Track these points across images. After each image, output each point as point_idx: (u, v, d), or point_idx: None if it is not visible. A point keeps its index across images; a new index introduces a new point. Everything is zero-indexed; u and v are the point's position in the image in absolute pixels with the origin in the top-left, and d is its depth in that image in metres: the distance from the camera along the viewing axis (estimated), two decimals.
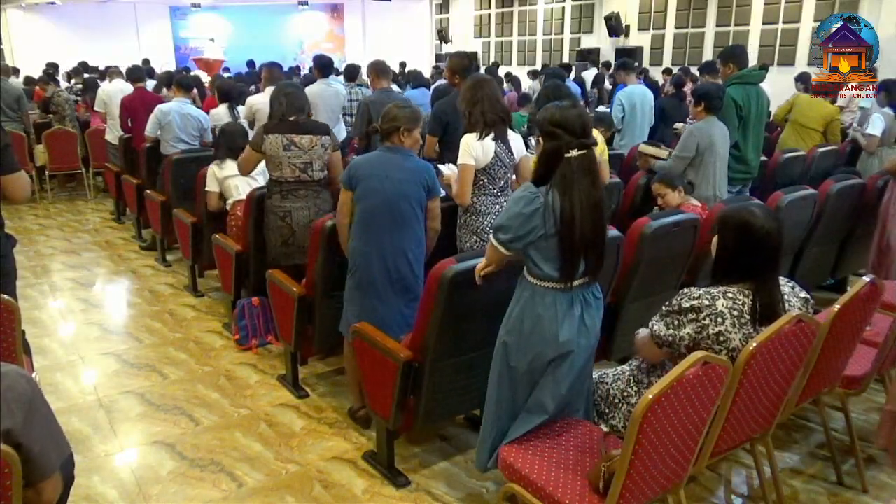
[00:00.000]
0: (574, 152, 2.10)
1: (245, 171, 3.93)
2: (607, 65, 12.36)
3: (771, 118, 6.57)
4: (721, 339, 2.00)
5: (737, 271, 2.05)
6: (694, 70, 9.86)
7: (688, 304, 2.03)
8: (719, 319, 2.00)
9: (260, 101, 5.39)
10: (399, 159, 2.95)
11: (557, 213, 2.10)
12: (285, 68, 10.51)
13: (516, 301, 2.29)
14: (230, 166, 4.35)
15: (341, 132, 6.14)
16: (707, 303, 2.01)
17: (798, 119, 5.87)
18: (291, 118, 3.64)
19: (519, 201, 2.16)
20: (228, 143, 4.44)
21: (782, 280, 2.18)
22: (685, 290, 2.08)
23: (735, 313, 2.00)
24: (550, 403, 2.26)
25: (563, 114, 2.13)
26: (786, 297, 2.13)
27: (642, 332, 2.23)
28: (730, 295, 2.02)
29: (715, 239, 2.12)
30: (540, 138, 2.20)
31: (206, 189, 4.48)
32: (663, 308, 2.12)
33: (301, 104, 3.70)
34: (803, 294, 2.20)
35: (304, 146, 3.62)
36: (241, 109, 5.77)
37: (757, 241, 1.99)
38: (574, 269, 2.15)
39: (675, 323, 2.06)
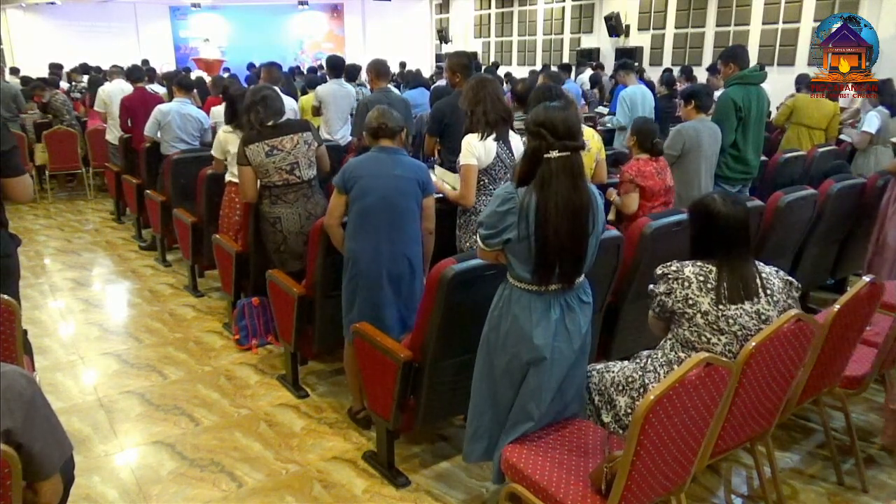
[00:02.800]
0: (554, 153, 2.07)
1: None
2: (601, 66, 12.34)
3: (770, 120, 6.60)
4: (690, 301, 2.18)
5: (704, 251, 2.24)
6: (695, 70, 9.87)
7: (661, 272, 2.27)
8: (686, 283, 2.18)
9: None
10: (393, 157, 2.97)
11: (532, 215, 2.09)
12: (285, 68, 10.52)
13: (497, 299, 2.30)
14: (234, 138, 4.18)
15: (348, 132, 6.16)
16: (675, 268, 2.23)
17: (802, 120, 5.89)
18: (269, 123, 3.57)
19: (496, 199, 2.18)
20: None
21: (766, 266, 2.29)
22: (662, 265, 2.30)
23: (701, 279, 2.18)
24: (535, 411, 2.25)
25: (549, 114, 2.12)
26: (765, 275, 2.24)
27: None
28: (698, 264, 2.22)
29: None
30: (527, 139, 2.20)
31: (212, 152, 4.42)
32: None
33: (278, 107, 3.63)
34: (787, 277, 2.30)
35: (287, 147, 3.58)
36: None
37: (717, 223, 2.18)
38: (547, 272, 2.13)
39: (654, 284, 2.30)
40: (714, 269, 2.18)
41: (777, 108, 8.12)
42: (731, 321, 2.15)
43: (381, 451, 2.91)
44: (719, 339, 2.16)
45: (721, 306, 2.14)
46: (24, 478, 1.59)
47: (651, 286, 2.30)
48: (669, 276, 2.22)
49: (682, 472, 2.04)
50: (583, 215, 2.12)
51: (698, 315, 2.16)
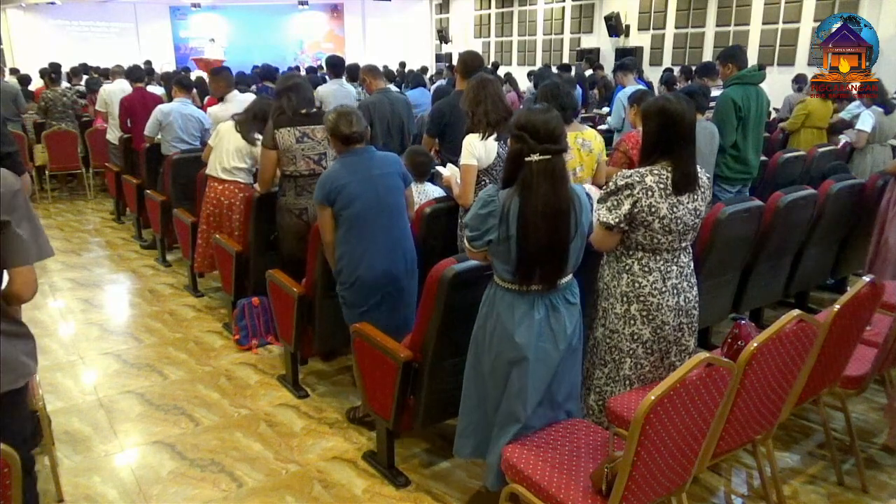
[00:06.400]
0: (535, 157, 2.09)
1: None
2: (601, 66, 12.31)
3: (785, 125, 6.76)
4: (652, 209, 2.36)
5: (659, 150, 2.41)
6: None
7: (622, 182, 2.38)
8: (650, 192, 2.35)
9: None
10: (367, 157, 2.96)
11: (514, 217, 2.11)
12: (284, 68, 10.51)
13: (484, 299, 2.33)
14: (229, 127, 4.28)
15: None
16: (638, 179, 2.36)
17: (815, 123, 6.26)
18: (303, 111, 3.63)
19: (478, 202, 2.20)
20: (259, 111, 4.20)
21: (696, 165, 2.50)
22: (619, 172, 2.43)
23: (661, 186, 2.37)
24: (521, 412, 2.25)
25: (530, 117, 2.13)
26: (699, 173, 2.47)
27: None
28: (655, 171, 2.38)
29: (641, 133, 2.53)
30: (510, 141, 2.22)
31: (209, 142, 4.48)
32: (601, 194, 2.45)
33: (310, 96, 3.70)
34: (707, 176, 2.55)
35: (318, 137, 3.63)
36: None
37: (674, 119, 2.36)
38: (527, 273, 2.15)
39: (615, 203, 2.38)
40: (668, 173, 2.37)
41: (776, 109, 8.16)
42: (677, 221, 2.39)
43: (381, 450, 2.91)
44: (666, 238, 2.41)
45: (674, 209, 2.36)
46: (4, 266, 1.79)
47: (608, 208, 2.38)
48: (635, 186, 2.35)
49: (682, 473, 2.04)
50: (563, 218, 2.14)
51: (656, 221, 2.36)
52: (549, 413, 2.33)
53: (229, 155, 4.25)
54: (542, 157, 2.10)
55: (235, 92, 5.36)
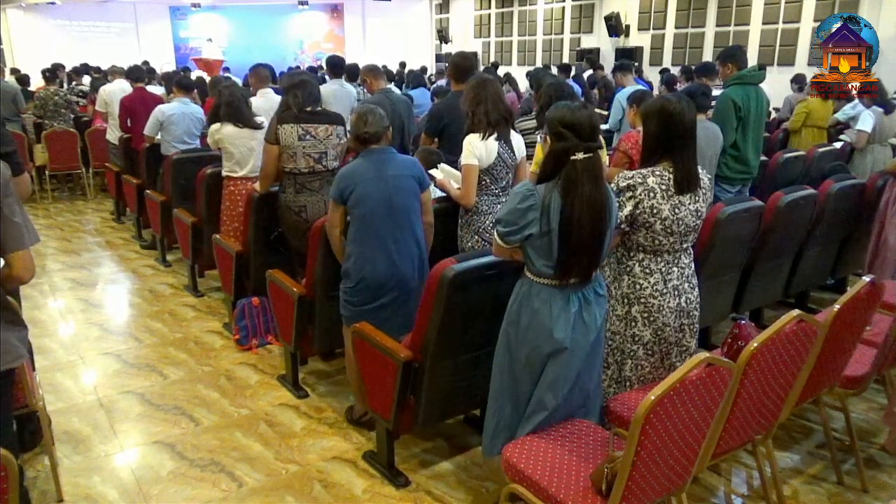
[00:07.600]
0: (580, 155, 2.13)
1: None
2: (601, 66, 12.29)
3: (786, 125, 6.79)
4: (654, 210, 2.39)
5: (660, 150, 2.44)
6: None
7: (624, 184, 2.42)
8: (651, 193, 2.39)
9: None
10: (384, 158, 2.95)
11: (556, 212, 2.13)
12: (284, 68, 10.49)
13: (515, 295, 2.33)
14: (224, 129, 4.28)
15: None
16: (640, 180, 2.40)
17: (816, 122, 6.33)
18: (308, 108, 3.65)
19: (516, 196, 2.21)
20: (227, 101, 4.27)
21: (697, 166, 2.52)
22: (620, 174, 2.46)
23: (663, 187, 2.40)
24: (552, 401, 2.27)
25: (574, 115, 2.16)
26: (700, 174, 2.50)
27: None
28: (657, 172, 2.42)
29: (641, 134, 2.53)
30: (548, 137, 2.23)
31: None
32: None
33: (317, 94, 3.73)
34: (708, 176, 2.59)
35: (320, 136, 3.65)
36: None
37: (673, 119, 2.39)
38: (570, 268, 2.17)
39: (617, 204, 2.37)
40: (669, 173, 2.41)
41: (776, 109, 8.17)
42: (679, 222, 2.42)
43: (381, 450, 2.91)
44: (668, 240, 2.44)
45: (675, 210, 2.40)
46: (3, 251, 1.87)
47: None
48: (637, 188, 2.38)
49: (682, 473, 2.04)
50: (604, 212, 2.18)
51: (658, 222, 2.40)
52: (577, 405, 2.34)
53: (254, 153, 4.23)
54: (586, 156, 2.13)
55: (268, 89, 5.39)
